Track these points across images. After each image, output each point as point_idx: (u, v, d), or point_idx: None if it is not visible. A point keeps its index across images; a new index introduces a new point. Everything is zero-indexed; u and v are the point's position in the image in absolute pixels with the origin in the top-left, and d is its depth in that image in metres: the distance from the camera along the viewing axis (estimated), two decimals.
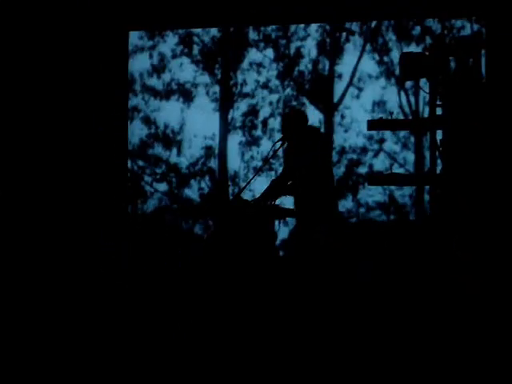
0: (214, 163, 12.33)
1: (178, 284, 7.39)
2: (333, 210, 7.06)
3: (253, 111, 12.31)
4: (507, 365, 5.38)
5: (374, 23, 11.84)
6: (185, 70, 12.33)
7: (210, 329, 6.29)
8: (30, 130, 8.48)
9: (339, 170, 11.93)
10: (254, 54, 12.22)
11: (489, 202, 6.47)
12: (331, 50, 12.16)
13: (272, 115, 12.27)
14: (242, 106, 12.32)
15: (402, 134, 11.97)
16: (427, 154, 7.57)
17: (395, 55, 11.77)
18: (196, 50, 12.34)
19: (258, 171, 7.54)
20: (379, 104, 12.05)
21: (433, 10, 8.37)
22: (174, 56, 12.33)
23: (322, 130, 11.41)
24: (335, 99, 12.22)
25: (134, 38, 11.63)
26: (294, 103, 12.17)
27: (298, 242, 7.03)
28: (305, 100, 12.23)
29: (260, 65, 12.23)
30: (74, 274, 7.63)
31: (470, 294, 6.18)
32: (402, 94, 12.11)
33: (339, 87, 12.19)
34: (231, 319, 6.43)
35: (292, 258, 7.04)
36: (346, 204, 11.87)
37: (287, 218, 7.34)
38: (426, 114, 9.98)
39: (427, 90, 6.86)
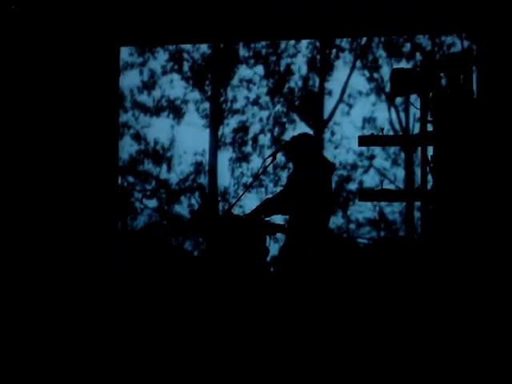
0: (204, 179, 12.32)
1: (176, 288, 7.34)
2: (324, 230, 7.03)
3: (243, 128, 12.30)
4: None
5: (364, 40, 11.88)
6: (175, 87, 12.33)
7: (209, 330, 6.26)
8: (20, 144, 8.46)
9: None
10: (244, 71, 12.23)
11: (480, 217, 6.47)
12: (321, 66, 12.18)
13: (262, 132, 12.28)
14: (232, 123, 12.32)
15: (392, 150, 12.00)
16: (417, 171, 7.56)
17: (385, 72, 11.81)
18: (186, 66, 12.35)
19: (248, 187, 7.51)
20: (369, 121, 12.07)
21: (424, 27, 8.39)
22: (165, 72, 12.33)
23: None
24: (325, 116, 12.23)
25: (125, 54, 11.64)
26: (284, 120, 12.18)
27: (288, 260, 7.00)
28: (295, 117, 12.25)
29: (250, 81, 12.23)
30: (73, 274, 7.57)
31: (461, 307, 6.17)
32: (393, 110, 12.14)
33: (329, 104, 12.21)
34: (226, 324, 6.40)
35: (283, 275, 7.01)
36: (336, 220, 11.88)
37: (277, 235, 7.30)
38: (416, 131, 10.02)
39: (418, 106, 6.86)
